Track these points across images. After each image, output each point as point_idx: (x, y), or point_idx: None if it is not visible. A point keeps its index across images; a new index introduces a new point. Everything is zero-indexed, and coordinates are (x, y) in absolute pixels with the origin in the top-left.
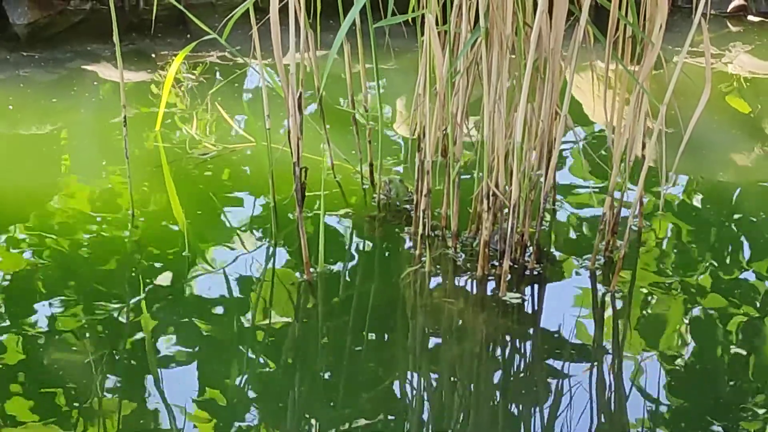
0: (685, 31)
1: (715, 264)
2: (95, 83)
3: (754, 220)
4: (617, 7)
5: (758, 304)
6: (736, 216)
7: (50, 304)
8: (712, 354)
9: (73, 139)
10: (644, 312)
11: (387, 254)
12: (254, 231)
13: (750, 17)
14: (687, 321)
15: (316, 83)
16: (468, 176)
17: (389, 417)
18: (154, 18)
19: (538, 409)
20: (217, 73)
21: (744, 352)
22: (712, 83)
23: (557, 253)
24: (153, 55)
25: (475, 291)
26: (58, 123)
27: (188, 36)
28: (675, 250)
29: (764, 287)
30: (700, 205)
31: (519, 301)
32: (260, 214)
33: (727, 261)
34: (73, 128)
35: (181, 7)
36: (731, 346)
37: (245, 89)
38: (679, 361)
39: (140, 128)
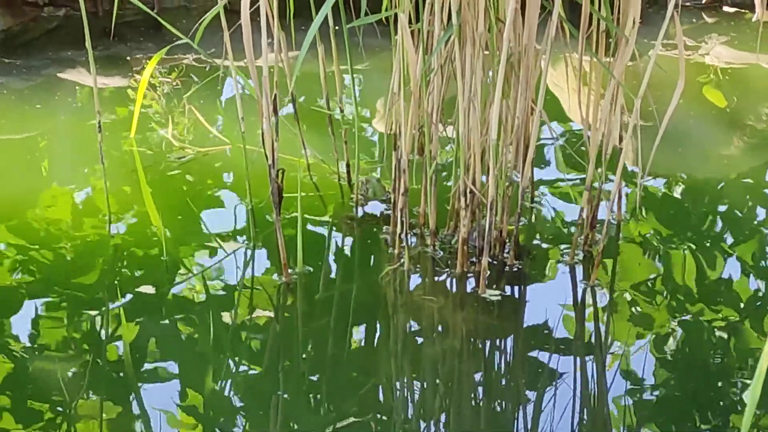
0: (660, 23)
1: (696, 256)
2: (71, 89)
3: (734, 211)
4: (590, 2)
5: (741, 296)
6: (715, 207)
7: (31, 312)
8: (695, 347)
9: (51, 145)
10: (625, 306)
11: (366, 254)
12: (233, 234)
13: (725, 8)
14: (668, 314)
15: (288, 85)
16: (446, 174)
17: (372, 417)
18: (113, 22)
19: (521, 405)
20: (194, 76)
21: (726, 344)
22: (689, 75)
23: (537, 249)
24: (128, 59)
25: (455, 288)
26: (35, 129)
27: (164, 39)
28: (655, 243)
29: (746, 279)
30: (679, 197)
31: (499, 297)
32: (239, 216)
33: (708, 252)
34: (50, 134)
35: (152, 13)
36: (714, 339)
37: (222, 92)
38: (661, 354)
39: (117, 133)
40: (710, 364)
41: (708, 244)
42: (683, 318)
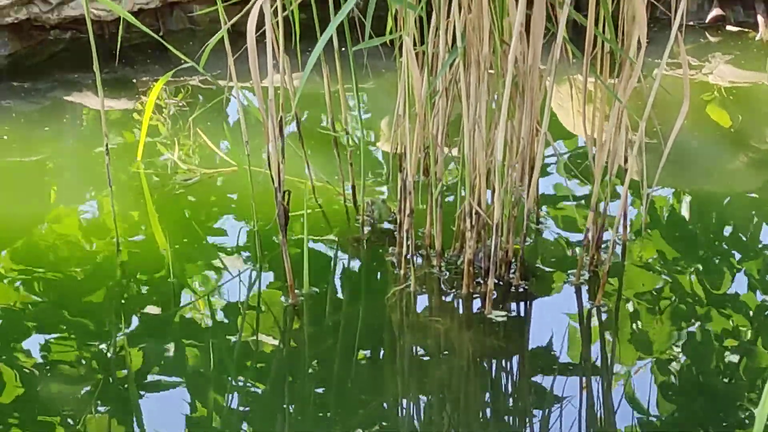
0: (664, 42)
1: (703, 275)
2: (78, 112)
3: (740, 230)
4: (593, 24)
5: (749, 315)
6: (720, 226)
7: (41, 335)
8: (702, 367)
9: (58, 168)
10: (631, 326)
11: (372, 275)
12: (239, 256)
13: (729, 27)
14: (675, 334)
15: (292, 104)
16: (451, 197)
17: None
18: (119, 45)
19: (527, 426)
20: (200, 98)
21: (735, 365)
22: (693, 94)
23: (543, 269)
24: (135, 82)
25: (461, 309)
26: (42, 152)
27: (170, 62)
28: (661, 263)
29: (753, 298)
30: (685, 217)
31: (505, 318)
32: (245, 238)
33: (715, 272)
34: (57, 157)
35: (157, 37)
36: (721, 359)
37: (228, 113)
38: (668, 374)
39: (124, 155)
40: (718, 385)
41: (714, 263)
42: (690, 338)
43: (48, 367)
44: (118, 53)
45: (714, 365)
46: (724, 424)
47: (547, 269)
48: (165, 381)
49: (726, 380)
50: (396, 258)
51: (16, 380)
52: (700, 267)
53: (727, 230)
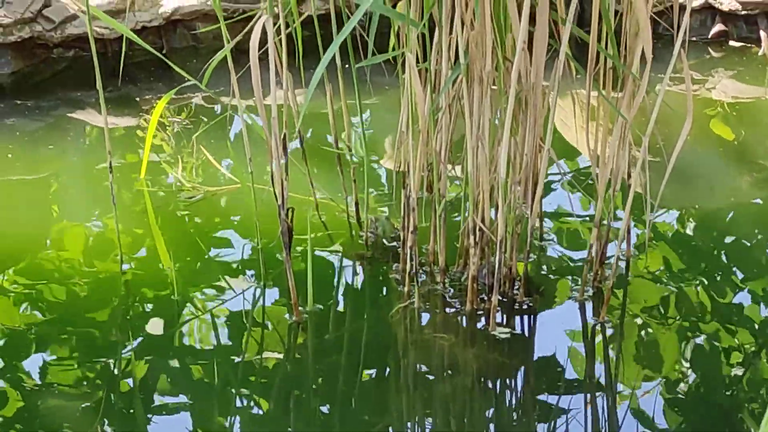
0: (667, 58)
1: (707, 290)
2: (82, 130)
3: (744, 246)
4: (596, 40)
5: (755, 331)
6: (725, 242)
7: (45, 352)
8: (707, 383)
9: (62, 186)
10: (635, 341)
11: (376, 292)
12: (243, 273)
13: (731, 42)
14: (680, 350)
15: (296, 123)
16: (455, 213)
17: None
18: (122, 63)
19: None
20: (203, 116)
21: (740, 380)
22: (696, 109)
23: (546, 286)
24: (138, 100)
25: (465, 326)
26: (46, 170)
27: (173, 79)
28: (664, 279)
29: (759, 315)
30: (688, 232)
31: (509, 334)
32: (249, 256)
33: (719, 287)
34: (61, 175)
35: (160, 55)
36: (727, 374)
37: (231, 131)
38: (673, 391)
39: (128, 173)
40: (723, 401)
41: (718, 279)
42: (695, 353)
43: (51, 385)
44: (121, 71)
45: (719, 381)
46: None
47: (551, 285)
48: (169, 399)
49: (731, 396)
50: (400, 275)
51: (19, 397)
52: (704, 282)
53: (731, 245)
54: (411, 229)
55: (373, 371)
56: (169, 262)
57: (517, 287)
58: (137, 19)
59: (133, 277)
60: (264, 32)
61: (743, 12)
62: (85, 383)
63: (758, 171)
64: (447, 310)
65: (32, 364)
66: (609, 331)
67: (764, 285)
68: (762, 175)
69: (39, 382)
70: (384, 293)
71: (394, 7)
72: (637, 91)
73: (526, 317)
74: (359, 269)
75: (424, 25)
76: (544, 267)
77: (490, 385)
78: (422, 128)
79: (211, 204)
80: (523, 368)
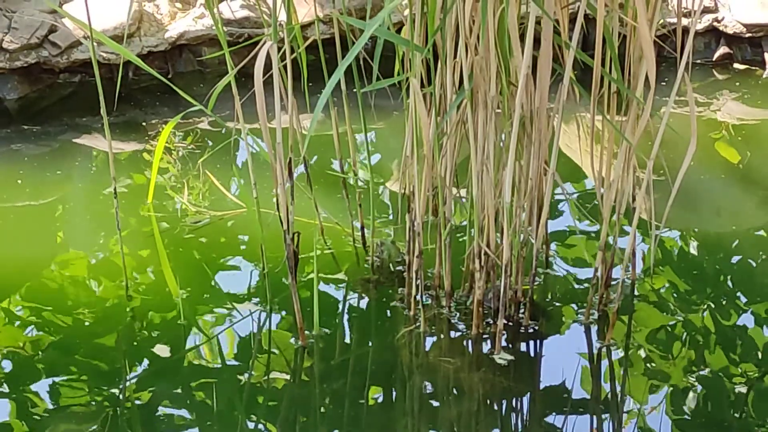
0: (672, 81)
1: (713, 313)
2: (88, 155)
3: (750, 269)
4: (600, 65)
5: (759, 354)
6: (730, 264)
7: (51, 377)
8: (714, 407)
9: (68, 211)
10: (641, 365)
11: (382, 316)
12: (249, 298)
13: (736, 65)
14: (686, 373)
15: (300, 149)
16: (461, 237)
17: None
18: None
19: None
20: (209, 141)
21: (747, 404)
22: (701, 131)
23: (552, 309)
24: (144, 124)
25: (470, 350)
26: (52, 195)
27: (179, 104)
28: (670, 301)
29: (764, 337)
30: (694, 254)
31: (515, 358)
32: (255, 280)
33: (725, 309)
34: (67, 200)
35: (165, 80)
36: (734, 399)
37: (237, 155)
38: (679, 414)
39: (134, 198)
40: (730, 424)
41: (724, 302)
42: (701, 377)
43: (57, 410)
44: (117, 96)
45: (726, 403)
46: None
47: (557, 309)
48: (175, 423)
49: (739, 419)
50: (405, 299)
51: (24, 423)
52: (710, 305)
53: (736, 268)
54: (416, 253)
55: (378, 395)
56: (176, 288)
57: (522, 311)
58: (143, 43)
59: (140, 301)
60: (268, 58)
61: (748, 35)
62: (92, 408)
63: (764, 193)
64: (452, 333)
65: (39, 389)
66: (615, 354)
67: None
68: None
69: (46, 408)
70: (389, 317)
71: (398, 32)
72: (642, 115)
73: (531, 341)
74: (365, 293)
75: (429, 50)
76: (550, 290)
77: (495, 409)
78: (427, 152)
79: (218, 228)
80: (528, 392)
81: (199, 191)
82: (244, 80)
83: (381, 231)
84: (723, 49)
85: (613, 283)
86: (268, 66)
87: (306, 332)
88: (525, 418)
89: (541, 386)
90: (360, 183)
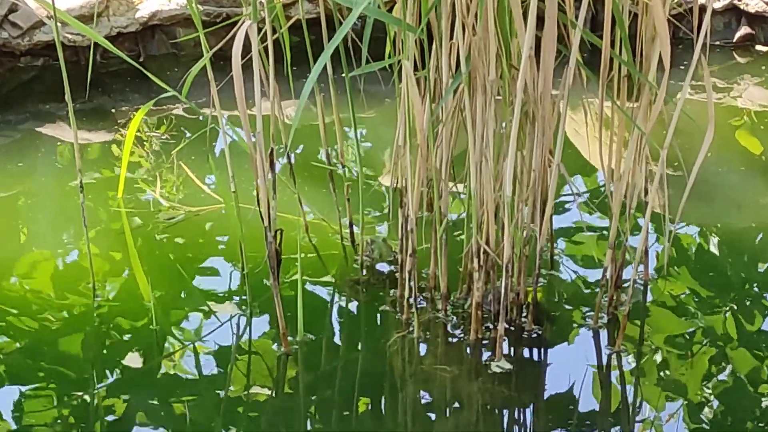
0: (687, 64)
1: (733, 317)
2: (52, 145)
3: None
4: (609, 46)
5: None
6: (752, 263)
7: (14, 386)
8: (733, 418)
9: (32, 207)
10: (654, 373)
11: (372, 320)
12: (227, 301)
13: (758, 47)
14: (703, 382)
15: (284, 139)
16: (458, 234)
17: None
18: (89, 73)
19: None
20: (184, 130)
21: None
22: (720, 119)
23: (557, 312)
24: (113, 112)
25: (469, 357)
26: (14, 189)
27: (151, 90)
28: (686, 304)
29: None
30: (713, 252)
31: (517, 366)
32: (234, 282)
33: (746, 313)
34: (30, 195)
35: (136, 64)
36: (755, 410)
37: (215, 145)
38: (696, 426)
39: (103, 192)
40: None
41: (745, 304)
42: (721, 388)
43: (22, 424)
44: (88, 81)
45: (748, 419)
46: None
47: (563, 312)
48: None
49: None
50: (398, 301)
51: None
52: (730, 307)
53: (760, 267)
54: (409, 251)
55: (369, 407)
56: (148, 290)
57: (525, 314)
58: (112, 24)
59: (109, 305)
60: (248, 39)
61: None
62: (58, 422)
63: None
64: (449, 339)
65: (4, 403)
66: (626, 362)
67: None
68: None
69: (9, 421)
70: (380, 322)
71: (390, 11)
72: (655, 101)
73: (535, 347)
74: (353, 296)
75: (423, 30)
76: (555, 292)
77: (496, 421)
78: (421, 142)
79: (193, 225)
80: (532, 403)
81: (174, 184)
82: (222, 64)
83: (371, 228)
84: (744, 30)
85: (624, 284)
86: (247, 48)
87: (289, 338)
88: (528, 431)
89: (546, 397)
90: (348, 175)
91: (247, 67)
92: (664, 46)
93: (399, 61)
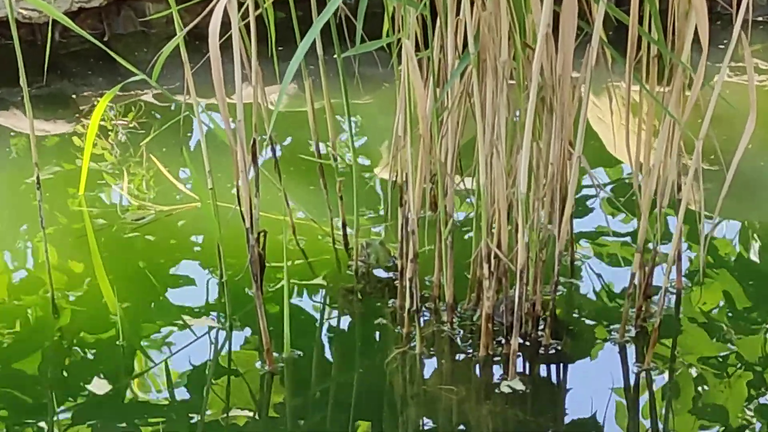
0: (727, 42)
1: None
2: (5, 136)
3: None
4: (637, 22)
5: None
6: None
7: None
8: None
9: None
10: (688, 394)
11: (368, 334)
12: (204, 313)
13: None
14: (742, 403)
15: (267, 129)
16: (466, 236)
17: None
18: (47, 53)
19: None
20: (156, 115)
21: None
22: (763, 105)
23: (578, 325)
24: (74, 98)
25: (478, 376)
26: None
27: (117, 73)
28: (724, 315)
29: None
30: (754, 258)
31: (532, 386)
32: (211, 291)
33: None
34: None
35: (100, 44)
36: None
37: (190, 136)
38: None
39: (63, 189)
40: None
41: None
42: (762, 409)
43: None
44: (46, 63)
45: None
46: None
47: (584, 325)
48: None
49: None
50: (397, 313)
51: None
52: None
53: None
54: (410, 256)
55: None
56: (114, 300)
57: (541, 327)
58: None
59: (70, 318)
60: (226, 15)
61: None
62: None
63: None
64: (455, 356)
65: None
66: (656, 382)
67: None
68: None
69: None
70: (378, 336)
71: None
72: (689, 85)
73: (553, 364)
74: (347, 306)
75: (425, 4)
76: (575, 302)
77: None
78: (423, 132)
79: (165, 226)
80: (549, 428)
81: (143, 180)
82: (198, 43)
83: (367, 229)
84: None
85: (653, 293)
86: (226, 26)
87: (274, 355)
88: None
89: (565, 421)
90: (341, 170)
91: (226, 48)
92: (700, 22)
93: (398, 40)
